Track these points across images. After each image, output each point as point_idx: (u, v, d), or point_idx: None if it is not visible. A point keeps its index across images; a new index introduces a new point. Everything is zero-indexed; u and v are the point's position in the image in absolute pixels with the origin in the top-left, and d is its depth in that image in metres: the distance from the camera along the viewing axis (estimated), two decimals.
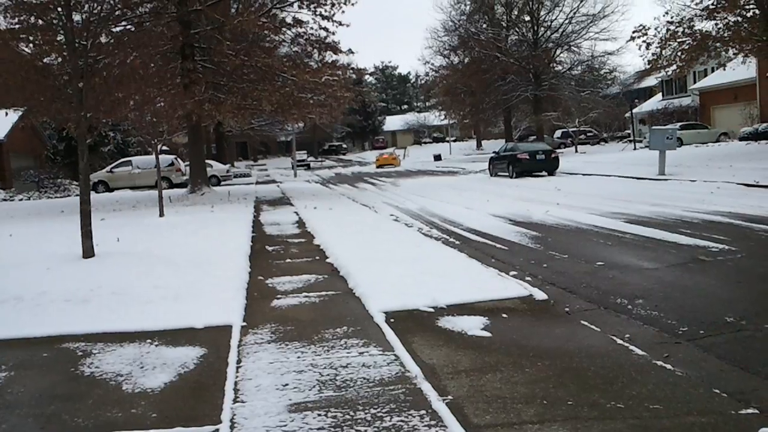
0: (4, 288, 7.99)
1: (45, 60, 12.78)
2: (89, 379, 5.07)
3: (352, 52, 24.29)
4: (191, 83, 20.85)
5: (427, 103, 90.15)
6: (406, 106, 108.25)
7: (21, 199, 29.18)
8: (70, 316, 6.80)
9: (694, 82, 46.00)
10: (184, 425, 4.11)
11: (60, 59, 12.63)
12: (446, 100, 60.61)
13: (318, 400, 4.44)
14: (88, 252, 9.99)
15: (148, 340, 5.96)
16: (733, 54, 27.02)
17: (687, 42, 25.39)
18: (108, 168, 33.03)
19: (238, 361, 5.33)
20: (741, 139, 36.63)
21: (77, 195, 10.71)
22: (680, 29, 25.40)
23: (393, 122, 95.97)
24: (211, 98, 22.16)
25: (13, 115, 18.50)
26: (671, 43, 25.82)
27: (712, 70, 41.23)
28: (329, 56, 24.45)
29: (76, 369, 5.29)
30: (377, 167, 49.71)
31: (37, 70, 12.35)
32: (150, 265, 9.23)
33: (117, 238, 11.92)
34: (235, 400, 4.50)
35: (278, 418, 4.17)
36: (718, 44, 25.46)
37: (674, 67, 27.14)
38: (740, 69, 30.19)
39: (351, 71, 26.74)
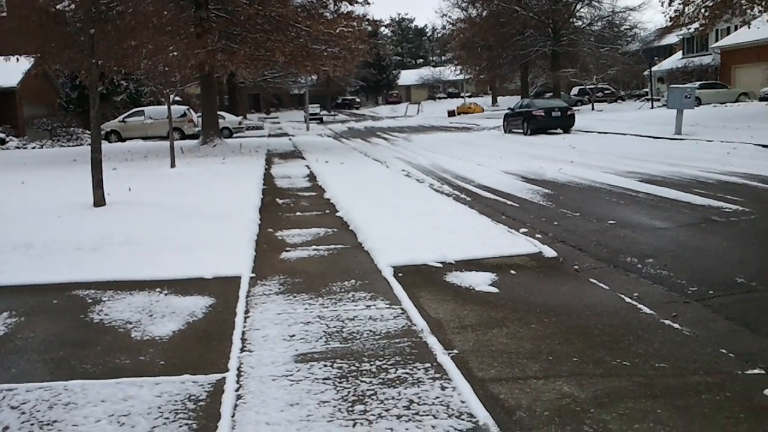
0: (15, 235, 8.05)
1: (58, 6, 12.65)
2: (98, 326, 5.12)
3: (368, 3, 23.90)
4: (204, 32, 20.63)
5: (443, 58, 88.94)
6: (421, 60, 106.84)
7: (34, 147, 29.28)
8: (80, 263, 6.84)
9: (716, 41, 44.97)
10: (191, 372, 4.15)
11: (73, 6, 12.50)
12: (462, 55, 59.71)
13: (324, 351, 4.47)
14: (99, 201, 10.03)
15: (158, 289, 6.00)
16: (759, 12, 26.29)
17: None
18: (120, 118, 32.97)
19: (246, 312, 5.36)
20: (761, 99, 36.04)
21: (90, 144, 10.71)
22: None
23: (408, 77, 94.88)
24: (224, 48, 21.93)
25: (26, 63, 18.41)
26: None
27: (735, 29, 40.28)
28: (344, 7, 24.04)
29: (85, 316, 5.34)
30: (458, 114, 57.30)
31: (50, 16, 12.24)
32: (161, 215, 9.26)
33: (128, 187, 11.96)
34: (242, 350, 4.54)
35: (284, 368, 4.20)
36: (743, 1, 24.78)
37: (697, 24, 26.48)
38: (765, 28, 29.37)
39: (366, 23, 26.24)
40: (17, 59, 16.15)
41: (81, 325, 5.14)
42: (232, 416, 3.58)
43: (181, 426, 3.51)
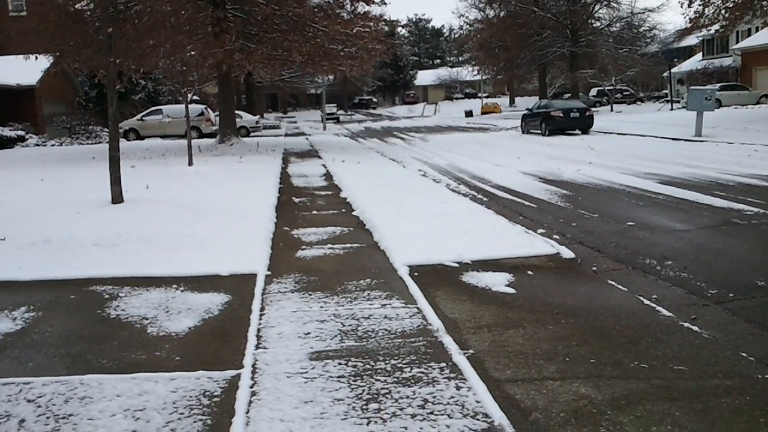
0: (33, 231, 8.10)
1: (76, 5, 12.74)
2: (115, 321, 5.14)
3: (385, 3, 23.90)
4: (222, 32, 20.70)
5: (460, 58, 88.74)
6: (438, 61, 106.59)
7: (53, 145, 29.55)
8: (97, 259, 6.89)
9: (737, 42, 44.47)
10: (206, 368, 4.15)
11: (92, 5, 12.59)
12: (480, 55, 59.67)
13: (339, 349, 4.46)
14: (117, 198, 10.08)
15: (174, 286, 6.02)
16: None
17: None
18: (139, 116, 33.17)
19: (262, 309, 5.36)
20: None
21: (108, 142, 10.77)
22: None
23: (425, 77, 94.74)
24: (241, 48, 22.00)
25: (45, 62, 18.53)
26: (714, 0, 24.87)
27: (757, 30, 39.83)
28: (361, 7, 24.08)
29: (102, 311, 5.37)
30: (482, 114, 58.32)
31: (68, 15, 12.32)
32: (178, 212, 9.29)
33: (146, 185, 12.02)
34: (257, 347, 4.54)
35: (299, 365, 4.19)
36: (764, 2, 24.46)
37: (717, 26, 26.17)
38: None
39: (383, 23, 26.33)
40: (36, 58, 16.25)
41: (98, 321, 5.17)
42: (247, 412, 3.58)
43: (195, 421, 3.51)
